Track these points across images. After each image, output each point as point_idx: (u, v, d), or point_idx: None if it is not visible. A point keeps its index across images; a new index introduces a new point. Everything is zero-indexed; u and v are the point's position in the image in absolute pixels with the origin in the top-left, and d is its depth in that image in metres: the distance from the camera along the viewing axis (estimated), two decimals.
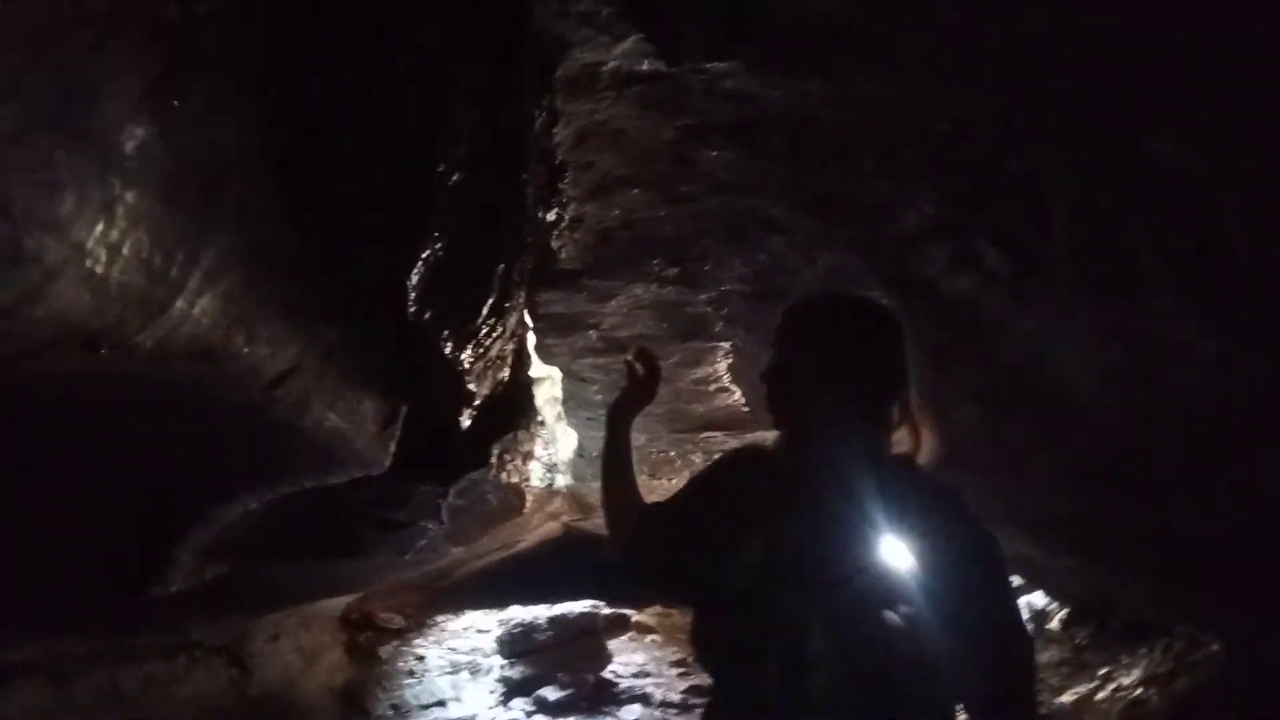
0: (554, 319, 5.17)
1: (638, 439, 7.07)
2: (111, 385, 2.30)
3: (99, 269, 1.79)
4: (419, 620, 8.50)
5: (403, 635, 8.18)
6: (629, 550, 2.22)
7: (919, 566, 1.74)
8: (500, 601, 8.51)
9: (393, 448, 3.69)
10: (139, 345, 2.05)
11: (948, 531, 1.79)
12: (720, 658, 1.99)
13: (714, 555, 1.90)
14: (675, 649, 8.40)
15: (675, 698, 7.23)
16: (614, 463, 2.25)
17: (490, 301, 3.27)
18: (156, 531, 3.50)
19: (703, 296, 4.96)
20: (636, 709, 7.03)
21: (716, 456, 2.44)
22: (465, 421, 3.69)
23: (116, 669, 5.32)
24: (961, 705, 1.84)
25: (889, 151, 3.88)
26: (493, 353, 3.52)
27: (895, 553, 1.75)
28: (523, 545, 8.86)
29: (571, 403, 6.53)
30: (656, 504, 2.19)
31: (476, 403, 3.59)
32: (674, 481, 8.17)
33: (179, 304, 2.05)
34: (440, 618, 8.55)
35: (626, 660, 7.91)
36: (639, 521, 2.17)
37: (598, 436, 7.26)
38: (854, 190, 4.19)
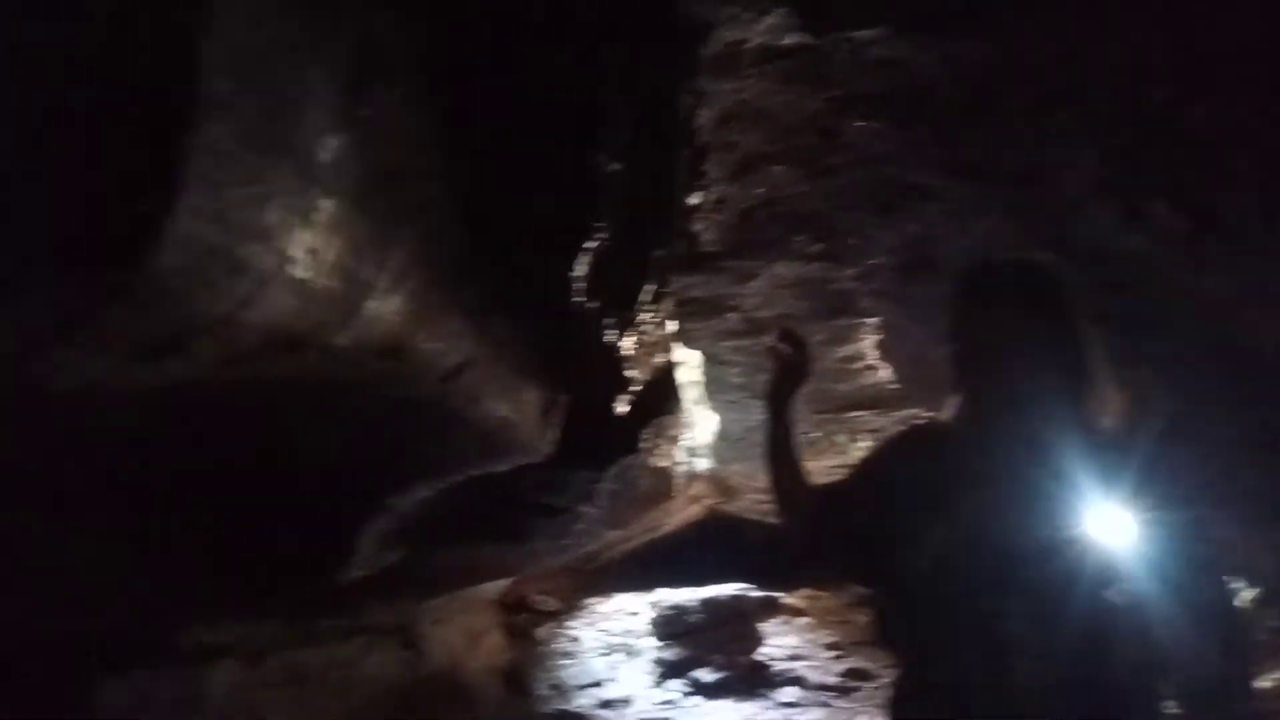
0: (694, 303, 5.18)
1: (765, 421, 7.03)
2: (309, 385, 2.45)
3: (302, 274, 1.91)
4: (571, 603, 8.69)
5: (557, 618, 8.40)
6: (806, 534, 2.20)
7: (1135, 538, 1.66)
8: (647, 585, 8.62)
9: (552, 436, 3.79)
10: (337, 345, 2.18)
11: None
12: (909, 642, 1.94)
13: (901, 537, 1.85)
14: (828, 632, 8.30)
15: (831, 680, 7.15)
16: (779, 446, 2.22)
17: (650, 287, 3.30)
18: (342, 520, 3.72)
19: (848, 272, 4.87)
20: (793, 691, 6.99)
21: (890, 434, 2.40)
22: (620, 408, 3.76)
23: (302, 650, 5.69)
24: (1176, 689, 1.74)
25: (1047, 110, 3.71)
26: (650, 338, 3.56)
27: (1109, 526, 1.67)
28: (666, 529, 8.93)
29: (712, 386, 6.52)
30: (832, 485, 2.16)
31: (632, 388, 3.65)
32: (820, 464, 8.07)
33: (370, 305, 2.16)
34: (591, 600, 8.71)
35: (779, 643, 7.87)
36: (816, 505, 2.14)
37: (739, 420, 7.23)
38: (1009, 153, 4.03)
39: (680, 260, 4.38)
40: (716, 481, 8.47)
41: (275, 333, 1.99)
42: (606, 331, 3.18)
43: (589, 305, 2.94)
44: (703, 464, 7.88)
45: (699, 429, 7.00)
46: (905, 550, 1.81)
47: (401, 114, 2.06)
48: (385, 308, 2.22)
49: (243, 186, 1.68)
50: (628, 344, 3.34)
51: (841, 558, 2.13)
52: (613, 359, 3.37)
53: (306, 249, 1.88)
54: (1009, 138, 3.91)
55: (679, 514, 8.96)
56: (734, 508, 9.56)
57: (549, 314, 2.94)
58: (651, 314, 3.36)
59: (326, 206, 1.87)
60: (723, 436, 7.41)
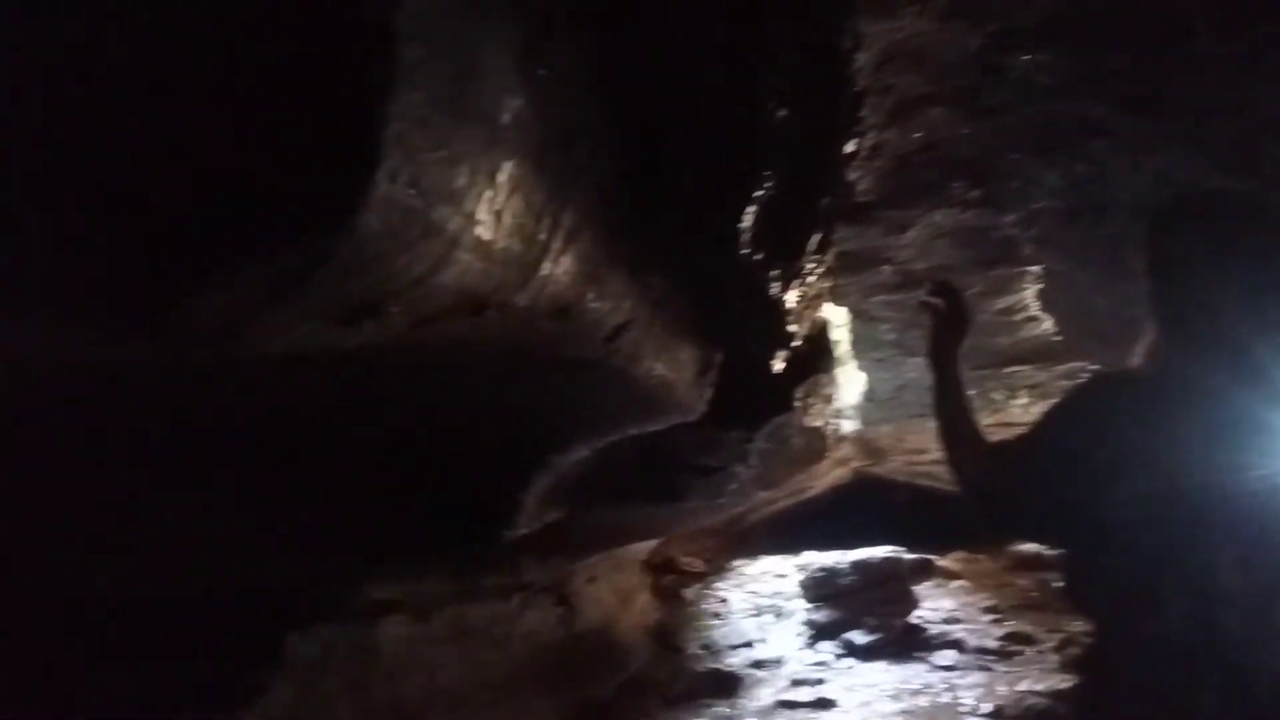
0: (844, 257, 5.04)
1: (930, 379, 6.81)
2: (487, 348, 2.53)
3: (486, 236, 1.96)
4: (717, 565, 8.77)
5: (704, 579, 8.49)
6: (989, 491, 2.12)
7: None
8: (794, 547, 8.59)
9: (708, 395, 3.80)
10: (515, 305, 2.23)
11: None
12: (1105, 599, 1.86)
13: (1098, 489, 1.77)
14: (985, 595, 8.07)
15: (991, 644, 6.95)
16: (950, 402, 2.17)
17: (816, 237, 3.24)
18: (509, 480, 3.85)
19: (1009, 218, 4.63)
20: (950, 654, 6.84)
21: (1075, 385, 2.29)
22: (778, 365, 3.72)
23: (465, 607, 5.96)
24: None
25: (1235, 31, 3.39)
26: (812, 291, 3.50)
27: None
28: (813, 491, 8.86)
29: (861, 344, 6.38)
30: (1013, 441, 2.09)
31: (795, 343, 3.60)
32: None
33: (546, 265, 2.20)
34: (738, 562, 8.76)
35: (934, 605, 7.71)
36: (997, 460, 2.07)
37: (888, 379, 7.06)
38: (1191, 80, 3.71)
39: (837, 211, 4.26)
40: (864, 443, 8.33)
41: (462, 295, 2.05)
42: (771, 284, 3.13)
43: (754, 257, 2.90)
44: (849, 426, 7.76)
45: (845, 389, 6.87)
46: (1101, 501, 1.73)
47: (573, 72, 2.08)
48: (558, 268, 2.26)
49: (434, 150, 1.73)
50: (791, 297, 3.29)
51: (1029, 516, 2.04)
52: (775, 313, 3.32)
53: (491, 210, 1.92)
54: (1192, 63, 3.60)
55: (825, 477, 8.87)
56: (882, 470, 9.39)
57: (712, 268, 2.92)
58: (815, 265, 3.29)
59: (508, 167, 1.91)
60: (870, 397, 7.27)
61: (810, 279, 3.35)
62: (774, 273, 3.11)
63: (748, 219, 2.75)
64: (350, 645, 4.95)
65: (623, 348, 2.95)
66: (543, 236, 2.12)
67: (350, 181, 1.63)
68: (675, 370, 3.34)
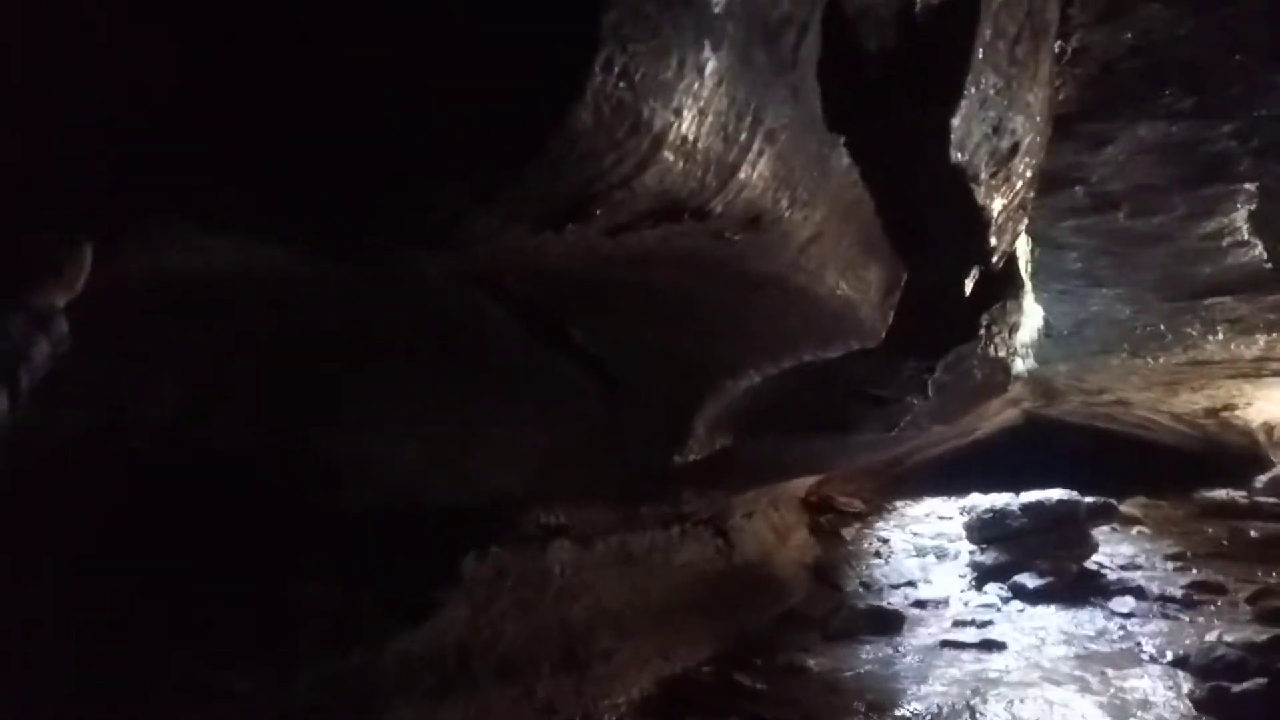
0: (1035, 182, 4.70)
1: (1120, 311, 6.34)
2: (674, 262, 2.49)
3: (690, 133, 1.90)
4: (877, 505, 8.61)
5: (863, 519, 8.35)
6: None
7: None
8: (959, 489, 8.31)
9: (889, 319, 3.64)
10: (711, 212, 2.17)
11: None
12: None
13: None
14: (1169, 542, 7.59)
15: (1176, 593, 6.54)
16: None
17: (1030, 137, 3.01)
18: (683, 404, 3.84)
19: (1225, 129, 4.18)
20: (1129, 601, 6.47)
21: None
22: (969, 285, 3.51)
23: (627, 534, 6.08)
24: None
25: None
26: (1016, 201, 3.26)
27: None
28: (981, 433, 8.51)
29: (1042, 275, 5.96)
30: None
31: (995, 260, 3.38)
32: (1160, 361, 7.24)
33: (744, 169, 2.12)
34: (899, 503, 8.57)
35: (1112, 551, 7.30)
36: None
37: (1070, 312, 6.62)
38: None
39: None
40: (1037, 383, 7.89)
41: (661, 198, 2.01)
42: (978, 190, 2.93)
43: (963, 158, 2.71)
44: (1023, 364, 7.34)
45: (1024, 324, 6.48)
46: None
47: None
48: (756, 171, 2.18)
49: (645, 41, 1.68)
50: (997, 205, 3.07)
51: None
52: (977, 224, 3.12)
53: (696, 106, 1.86)
54: None
55: (995, 418, 8.50)
56: (1056, 411, 8.90)
57: (916, 171, 2.75)
58: (1026, 169, 3.05)
59: (714, 60, 1.83)
60: (1049, 333, 6.83)
61: (1019, 185, 3.11)
62: (983, 176, 2.90)
63: (958, 117, 2.56)
64: (521, 567, 5.15)
65: (809, 263, 2.84)
66: (744, 136, 2.04)
67: (566, 71, 1.60)
68: (860, 289, 3.21)
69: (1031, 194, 3.67)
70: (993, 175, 2.97)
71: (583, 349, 3.35)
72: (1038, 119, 3.05)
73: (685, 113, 1.85)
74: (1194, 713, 4.62)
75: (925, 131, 2.64)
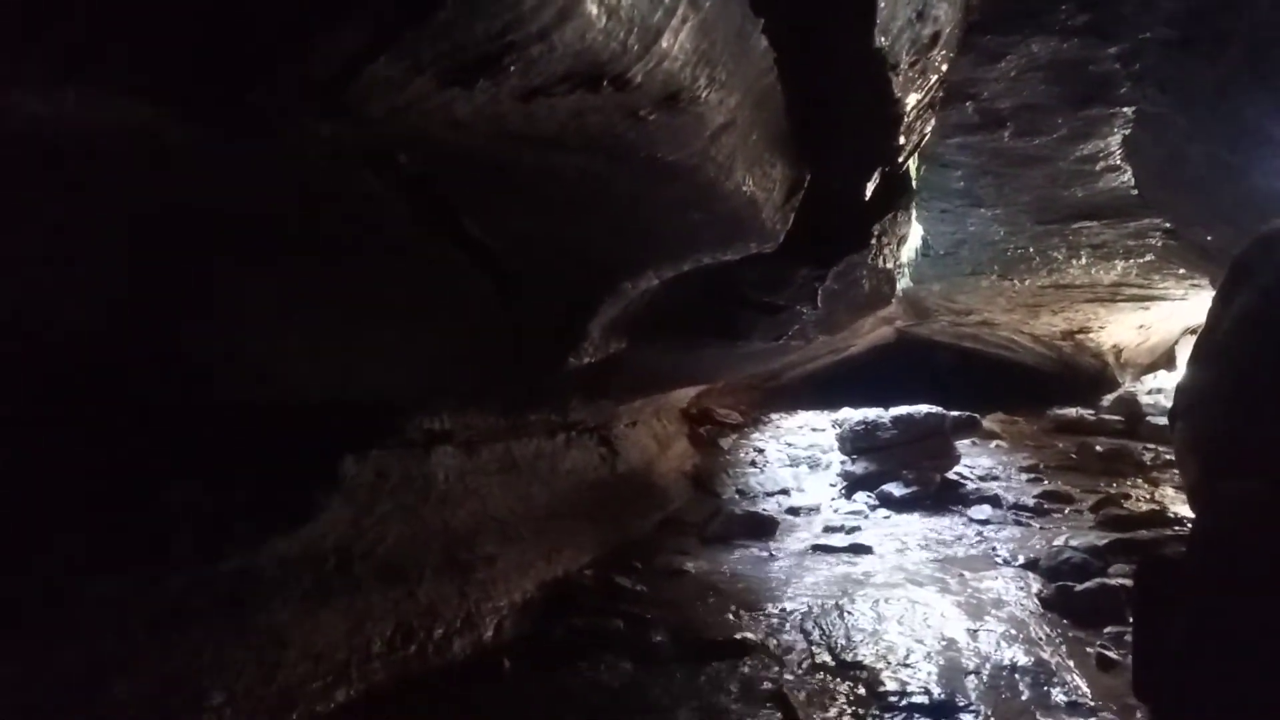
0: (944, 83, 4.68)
1: (995, 233, 6.57)
2: (577, 145, 2.35)
3: None
4: (754, 417, 8.81)
5: (740, 430, 8.55)
6: None
7: None
8: (833, 403, 8.59)
9: (790, 221, 3.62)
10: (630, 81, 2.04)
11: None
12: None
13: None
14: (1024, 455, 8.10)
15: (1028, 501, 7.01)
16: None
17: (950, 27, 2.96)
18: (577, 307, 3.73)
19: (1112, 50, 4.29)
20: (986, 509, 6.90)
21: None
22: (869, 189, 3.50)
23: (513, 441, 6.02)
24: None
25: None
26: (928, 98, 3.24)
27: None
28: (855, 349, 8.78)
29: (926, 193, 6.09)
30: None
31: (900, 161, 3.37)
32: (1026, 283, 7.59)
33: (667, 36, 2.00)
34: (774, 416, 8.79)
35: (972, 463, 7.74)
36: None
37: (947, 232, 6.81)
38: None
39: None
40: (911, 302, 8.17)
41: (582, 58, 1.86)
42: (896, 79, 2.87)
43: (886, 42, 2.64)
44: (900, 282, 7.56)
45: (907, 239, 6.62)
46: None
47: None
48: (677, 42, 2.06)
49: None
50: (913, 99, 3.02)
51: None
52: (891, 116, 3.07)
53: None
54: None
55: (868, 336, 8.78)
56: (927, 331, 9.26)
57: (836, 56, 2.67)
58: (943, 60, 3.01)
59: None
60: (926, 251, 7.03)
61: (934, 80, 3.08)
62: (904, 64, 2.84)
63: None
64: (404, 472, 5.02)
65: (719, 154, 2.75)
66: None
67: None
68: (765, 188, 3.15)
69: (941, 94, 3.68)
70: (912, 65, 2.94)
71: (478, 241, 3.18)
72: (959, 9, 3.01)
73: None
74: (1041, 610, 4.98)
75: (850, 12, 2.56)
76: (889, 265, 4.56)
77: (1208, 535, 1.97)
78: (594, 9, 1.74)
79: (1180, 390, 2.57)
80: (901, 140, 3.31)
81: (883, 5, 2.55)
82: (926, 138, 3.75)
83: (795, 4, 2.37)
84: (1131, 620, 2.80)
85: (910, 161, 4.10)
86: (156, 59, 1.85)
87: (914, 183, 4.87)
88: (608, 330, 4.11)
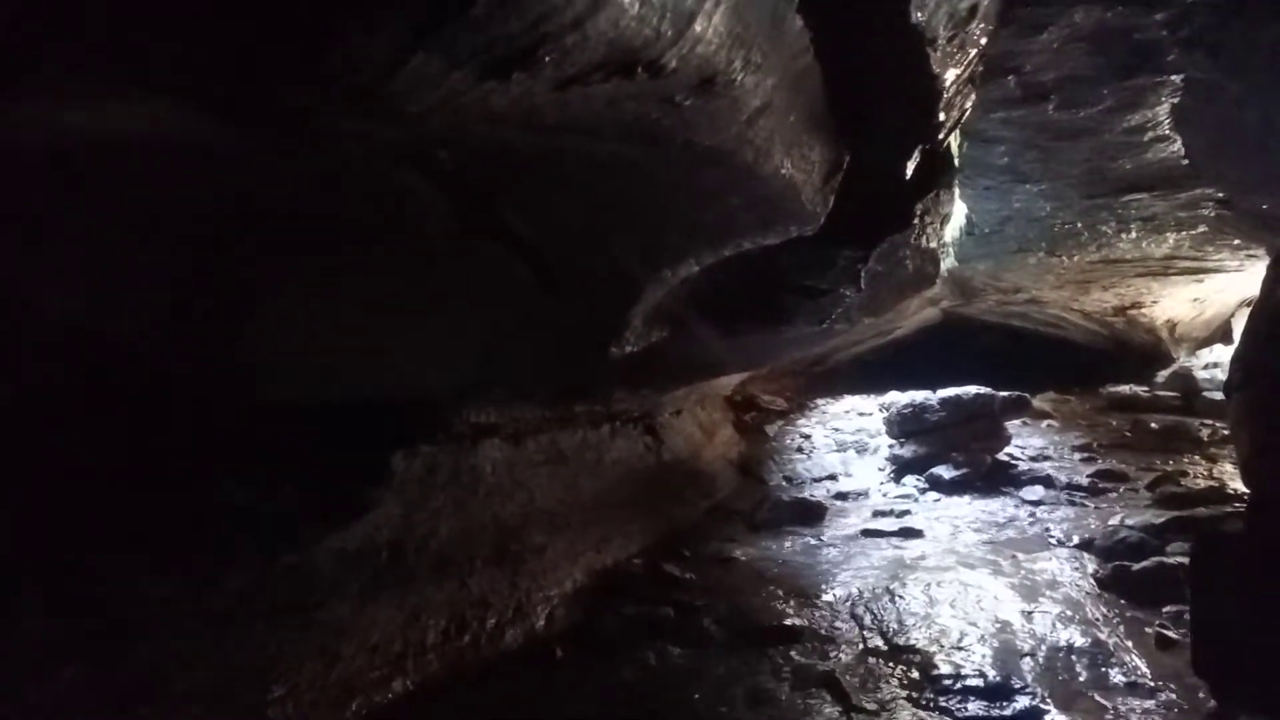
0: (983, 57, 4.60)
1: (1041, 208, 6.44)
2: (612, 134, 2.36)
3: None
4: (799, 403, 8.76)
5: (786, 416, 8.50)
6: None
7: None
8: (879, 387, 8.50)
9: (831, 202, 3.59)
10: (664, 66, 2.04)
11: None
12: None
13: None
14: (1076, 434, 7.95)
15: (1082, 481, 6.88)
16: None
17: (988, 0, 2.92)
18: (619, 295, 3.74)
19: (1159, 16, 4.18)
20: (1039, 490, 6.79)
21: None
22: (910, 167, 3.46)
23: (558, 433, 6.06)
24: None
25: None
26: (967, 72, 3.19)
27: None
28: (900, 332, 8.68)
29: (968, 170, 5.99)
30: None
31: (940, 137, 3.32)
32: (1075, 259, 7.42)
33: (700, 20, 1.99)
34: (820, 401, 8.73)
35: (1023, 443, 7.62)
36: None
37: (993, 210, 6.69)
38: None
39: None
40: (957, 282, 8.04)
41: (615, 45, 1.87)
42: (934, 54, 2.83)
43: (923, 18, 2.61)
44: (945, 262, 7.44)
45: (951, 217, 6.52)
46: None
47: None
48: (710, 26, 2.05)
49: None
50: (951, 75, 2.98)
51: None
52: (930, 92, 3.03)
53: None
54: None
55: (914, 317, 8.66)
56: (974, 310, 9.10)
57: (873, 34, 2.65)
58: (983, 34, 2.96)
59: None
60: (971, 230, 6.91)
61: (973, 54, 3.03)
62: (942, 39, 2.81)
63: None
64: (453, 466, 5.08)
65: (757, 137, 2.74)
66: None
67: None
68: (804, 170, 3.13)
69: (980, 68, 3.61)
70: (950, 39, 2.89)
71: (517, 233, 3.21)
72: None
73: None
74: (1098, 590, 4.89)
75: None
76: (932, 244, 4.50)
77: (1263, 509, 1.93)
78: None
79: (1234, 362, 2.51)
80: (941, 117, 3.26)
81: None
82: (967, 113, 3.68)
83: None
84: (1189, 597, 2.74)
85: (952, 139, 4.03)
86: (198, 62, 1.89)
87: (956, 160, 4.79)
88: (650, 318, 4.11)
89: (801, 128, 2.93)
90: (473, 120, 2.12)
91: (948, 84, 3.11)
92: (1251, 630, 1.88)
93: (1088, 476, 6.97)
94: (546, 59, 1.79)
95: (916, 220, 4.11)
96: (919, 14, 2.63)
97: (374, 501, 4.49)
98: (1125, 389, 8.79)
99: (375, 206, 2.97)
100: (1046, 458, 7.43)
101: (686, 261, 3.67)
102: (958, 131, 5.59)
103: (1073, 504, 6.50)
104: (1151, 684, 3.79)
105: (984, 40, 3.16)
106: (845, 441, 7.93)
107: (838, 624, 4.70)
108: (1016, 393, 7.28)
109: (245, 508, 4.04)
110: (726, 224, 3.43)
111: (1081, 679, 3.95)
